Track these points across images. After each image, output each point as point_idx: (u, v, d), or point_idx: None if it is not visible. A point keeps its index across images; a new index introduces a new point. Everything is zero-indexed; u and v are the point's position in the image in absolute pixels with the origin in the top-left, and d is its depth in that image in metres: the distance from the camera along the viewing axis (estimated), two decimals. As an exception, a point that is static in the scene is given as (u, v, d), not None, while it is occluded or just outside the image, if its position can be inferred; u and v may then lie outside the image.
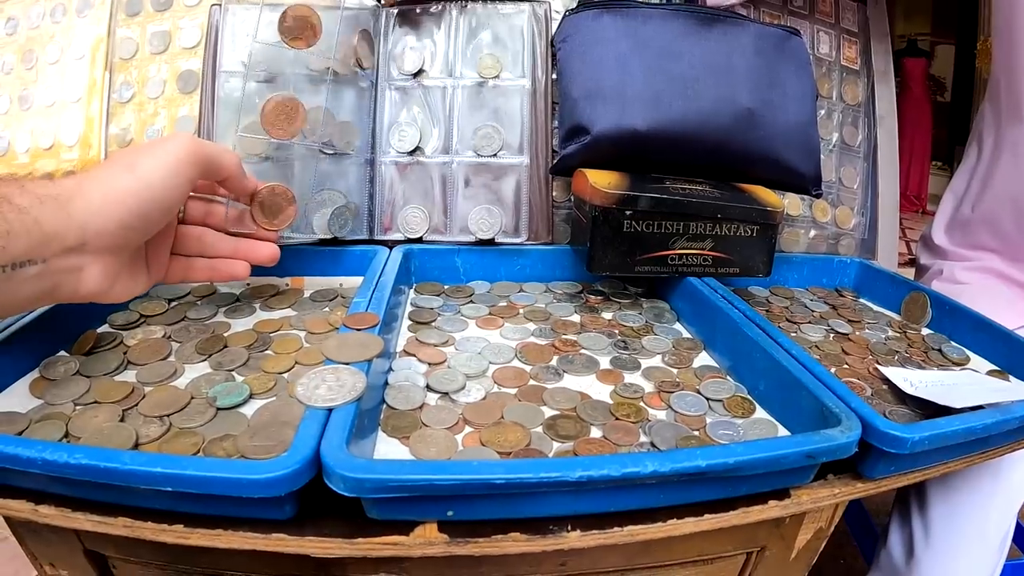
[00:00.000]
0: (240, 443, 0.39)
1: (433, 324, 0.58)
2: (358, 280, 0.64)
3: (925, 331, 0.67)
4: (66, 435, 0.41)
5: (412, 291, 0.66)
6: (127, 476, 0.33)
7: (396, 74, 0.70)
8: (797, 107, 0.70)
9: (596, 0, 0.71)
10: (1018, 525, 0.74)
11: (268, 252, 0.57)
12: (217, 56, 0.69)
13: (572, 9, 0.70)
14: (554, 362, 0.53)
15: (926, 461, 0.45)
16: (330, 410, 0.38)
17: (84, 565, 0.44)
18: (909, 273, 1.03)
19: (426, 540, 0.35)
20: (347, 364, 0.43)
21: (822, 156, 0.81)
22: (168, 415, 0.43)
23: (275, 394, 0.46)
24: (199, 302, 0.61)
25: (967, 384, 0.53)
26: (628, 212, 0.58)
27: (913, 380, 0.52)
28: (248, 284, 0.65)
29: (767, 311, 0.68)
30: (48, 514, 0.37)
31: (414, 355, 0.52)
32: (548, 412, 0.46)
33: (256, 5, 0.66)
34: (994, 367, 0.60)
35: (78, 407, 0.44)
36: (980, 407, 0.47)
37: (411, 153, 0.69)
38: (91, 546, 0.43)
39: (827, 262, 0.79)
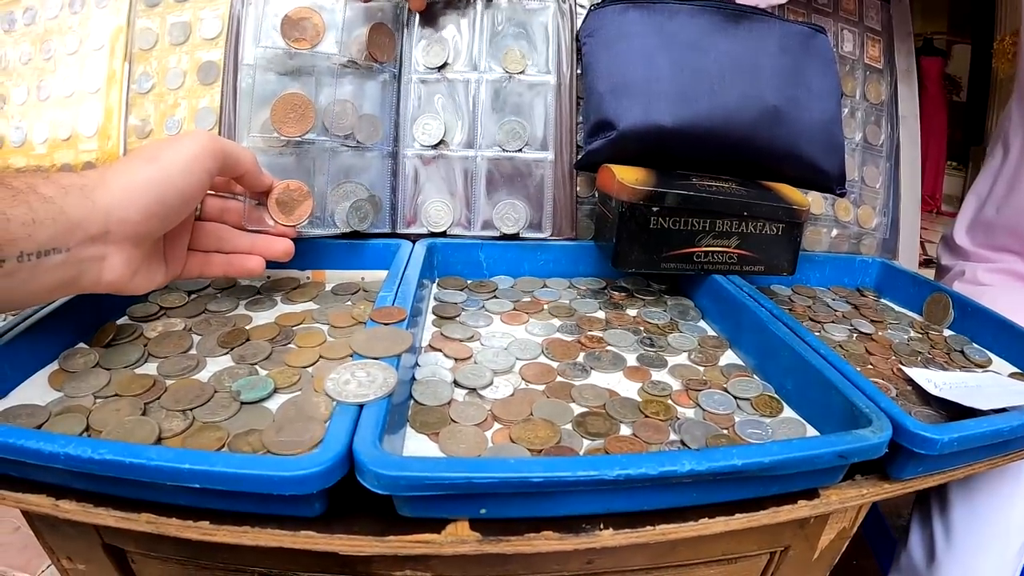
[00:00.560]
0: (266, 438, 0.39)
1: (457, 319, 0.58)
2: (380, 274, 0.64)
3: (947, 332, 0.67)
4: (87, 428, 0.41)
5: (435, 285, 0.66)
6: (153, 472, 0.33)
7: (420, 67, 0.70)
8: (822, 105, 0.69)
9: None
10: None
11: (283, 247, 0.58)
12: (239, 48, 0.69)
13: (598, 3, 0.70)
14: (581, 359, 0.53)
15: (953, 463, 0.45)
16: (361, 406, 0.38)
17: (102, 559, 0.44)
18: (925, 274, 1.02)
19: (458, 538, 0.35)
20: (376, 359, 0.42)
21: (845, 155, 0.81)
22: (191, 409, 0.43)
23: (300, 388, 0.46)
24: (219, 294, 0.61)
25: (990, 386, 0.53)
26: (655, 209, 0.58)
27: (937, 381, 0.52)
28: (268, 277, 0.65)
29: (790, 310, 0.67)
30: (69, 509, 0.36)
31: (440, 350, 0.52)
32: (577, 409, 0.46)
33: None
34: (1016, 369, 0.60)
35: (99, 400, 0.44)
36: (1004, 409, 0.47)
37: (435, 147, 0.69)
38: (110, 540, 0.43)
39: (849, 261, 0.79)
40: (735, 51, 0.67)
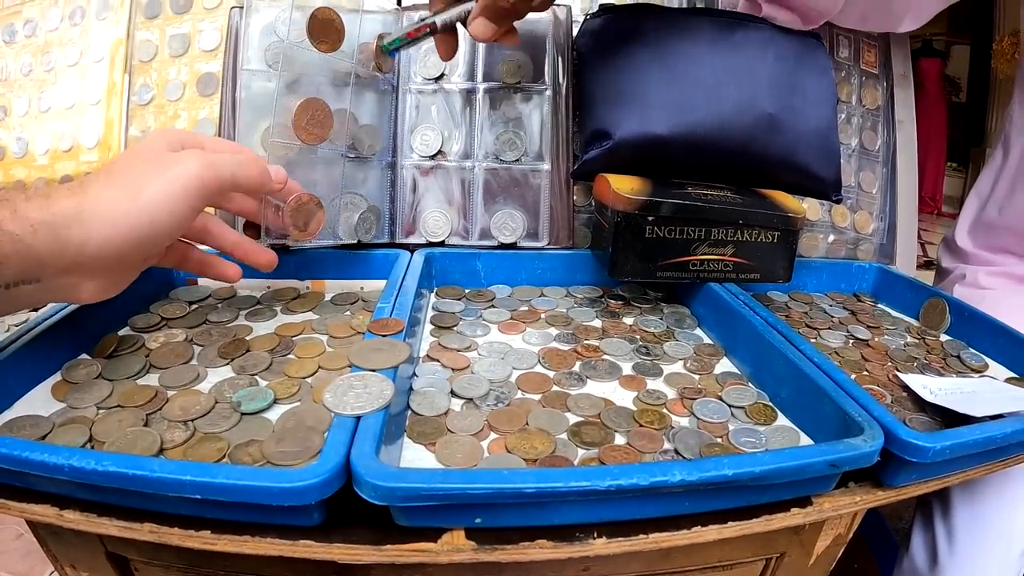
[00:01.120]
0: (266, 449, 0.40)
1: (455, 329, 0.58)
2: (379, 283, 0.65)
3: (944, 337, 0.67)
4: (90, 439, 0.41)
5: (433, 295, 0.66)
6: (156, 484, 0.34)
7: (417, 78, 0.70)
8: (818, 112, 0.70)
9: (617, 5, 0.71)
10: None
11: (267, 259, 0.56)
12: (238, 58, 0.70)
13: (593, 13, 0.71)
14: (577, 368, 0.53)
15: (947, 469, 0.45)
16: (358, 418, 0.39)
17: (106, 567, 0.45)
18: (925, 276, 1.02)
19: (454, 547, 0.36)
20: (374, 371, 0.43)
21: (841, 160, 0.81)
22: (192, 420, 0.43)
23: (299, 399, 0.46)
24: (220, 304, 0.62)
25: (986, 392, 0.53)
26: (650, 218, 0.59)
27: (932, 387, 0.53)
28: (269, 287, 0.65)
29: (786, 316, 0.68)
30: (73, 519, 0.37)
31: (438, 360, 0.52)
32: (572, 419, 0.46)
33: (279, 4, 0.67)
34: (1013, 374, 0.60)
35: (101, 411, 0.45)
36: (1000, 415, 0.47)
37: (433, 157, 0.69)
38: (113, 549, 0.43)
39: (846, 267, 0.79)
40: (730, 60, 0.67)
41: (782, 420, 0.48)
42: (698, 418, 0.47)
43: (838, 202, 0.75)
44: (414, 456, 0.42)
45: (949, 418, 0.49)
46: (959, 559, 0.67)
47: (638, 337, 0.60)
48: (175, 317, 0.58)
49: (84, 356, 0.51)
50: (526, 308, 0.64)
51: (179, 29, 0.78)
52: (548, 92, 0.70)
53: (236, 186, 0.48)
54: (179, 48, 0.78)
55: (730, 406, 0.49)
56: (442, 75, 0.70)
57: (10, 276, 0.37)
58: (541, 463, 0.41)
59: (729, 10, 0.78)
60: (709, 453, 0.43)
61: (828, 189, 0.72)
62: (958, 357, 0.62)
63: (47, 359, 0.49)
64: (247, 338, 0.55)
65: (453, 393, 0.48)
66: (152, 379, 0.49)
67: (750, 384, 0.53)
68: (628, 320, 0.63)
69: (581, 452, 0.43)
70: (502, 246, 0.70)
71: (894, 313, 0.73)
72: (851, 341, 0.64)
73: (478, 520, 0.36)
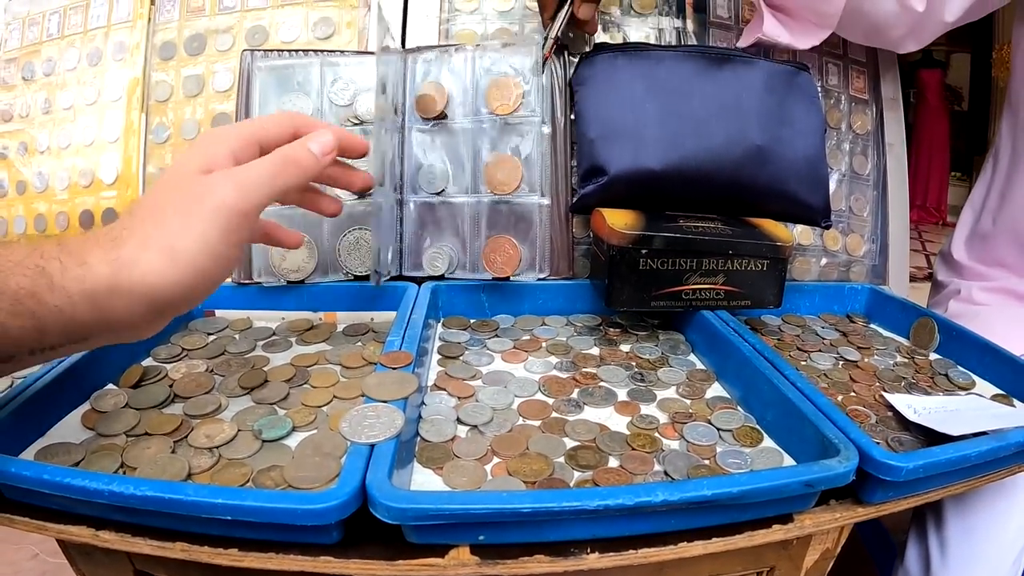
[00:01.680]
0: (287, 473, 0.43)
1: (461, 359, 0.61)
2: (388, 315, 0.68)
3: (933, 356, 0.69)
4: (122, 465, 0.44)
5: (440, 325, 0.69)
6: (190, 506, 0.37)
7: (419, 117, 0.73)
8: (806, 142, 0.73)
9: (611, 44, 0.75)
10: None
11: (363, 180, 0.56)
12: (251, 99, 0.73)
13: (588, 52, 0.74)
14: (575, 395, 0.56)
15: (922, 487, 0.47)
16: (372, 446, 0.42)
17: (134, 585, 0.48)
18: (926, 288, 1.03)
19: (459, 562, 0.39)
20: (386, 402, 0.47)
21: (833, 185, 0.84)
22: (217, 447, 0.46)
23: (316, 427, 0.49)
24: (237, 336, 0.65)
25: (970, 410, 0.55)
26: (644, 251, 0.62)
27: (917, 407, 0.55)
28: (283, 319, 0.69)
29: (779, 339, 0.70)
30: (109, 539, 0.40)
31: (444, 389, 0.55)
32: (569, 443, 0.49)
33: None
34: (999, 391, 0.62)
35: (130, 438, 0.48)
36: (982, 432, 0.49)
37: (438, 194, 0.73)
38: (141, 567, 0.46)
39: (838, 289, 0.82)
40: (720, 94, 0.70)
41: (767, 442, 0.51)
42: (688, 441, 0.50)
43: (827, 227, 0.77)
44: (423, 479, 0.45)
45: (932, 437, 0.51)
46: (951, 570, 0.69)
47: (634, 364, 0.62)
48: (195, 348, 0.62)
49: (111, 386, 0.55)
50: (528, 337, 0.67)
51: (193, 70, 0.82)
52: (547, 130, 0.73)
53: (280, 196, 0.45)
54: (194, 88, 0.81)
55: (718, 429, 0.52)
56: (443, 115, 0.73)
57: (54, 341, 0.38)
58: (539, 485, 0.44)
59: (717, 46, 0.82)
60: (696, 474, 0.46)
61: (817, 216, 0.75)
62: (946, 375, 0.64)
63: (76, 389, 0.52)
64: (265, 368, 0.58)
65: (459, 420, 0.51)
66: (176, 408, 0.52)
67: (739, 408, 0.55)
68: (625, 347, 0.66)
69: (577, 475, 0.46)
70: (498, 279, 0.72)
71: (885, 333, 0.76)
72: (840, 363, 0.66)
73: (481, 537, 0.39)
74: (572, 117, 0.75)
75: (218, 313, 0.71)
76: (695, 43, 0.83)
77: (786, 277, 0.66)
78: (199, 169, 0.42)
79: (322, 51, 0.75)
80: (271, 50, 0.75)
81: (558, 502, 0.38)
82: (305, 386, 0.56)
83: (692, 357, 0.65)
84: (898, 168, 0.91)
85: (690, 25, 0.84)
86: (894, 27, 0.78)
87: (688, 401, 0.56)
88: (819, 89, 0.85)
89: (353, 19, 0.82)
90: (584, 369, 0.61)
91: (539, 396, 0.56)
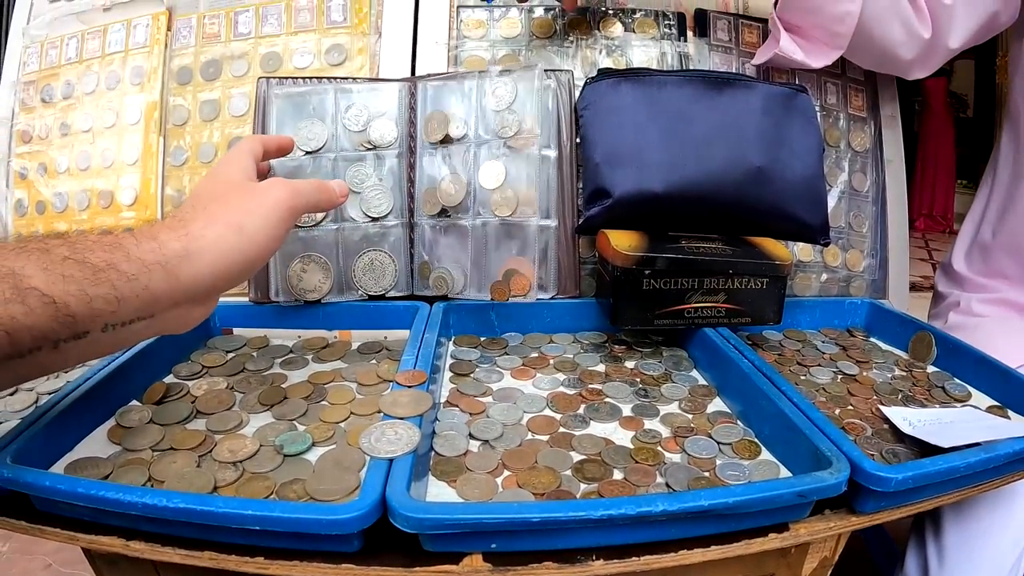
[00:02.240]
0: (308, 487, 0.45)
1: (472, 376, 0.64)
2: (401, 333, 0.71)
3: (931, 369, 0.71)
4: (149, 479, 0.47)
5: (451, 343, 0.72)
6: (220, 517, 0.40)
7: (427, 140, 0.75)
8: (804, 162, 0.75)
9: (615, 69, 0.78)
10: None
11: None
12: (267, 124, 0.75)
13: (592, 77, 0.77)
14: (581, 410, 0.59)
15: (916, 497, 0.50)
16: (391, 460, 0.45)
17: (157, 593, 0.51)
18: (928, 298, 1.04)
19: (473, 569, 0.42)
20: (402, 419, 0.50)
21: (832, 202, 0.86)
22: (240, 461, 0.49)
23: (335, 442, 0.52)
24: (255, 353, 0.68)
25: (964, 422, 0.57)
26: (647, 272, 0.64)
27: (912, 419, 0.56)
28: (300, 337, 0.72)
29: (779, 355, 0.72)
30: (139, 548, 0.43)
31: (457, 406, 0.58)
32: (576, 457, 0.52)
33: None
34: (994, 403, 0.64)
35: (156, 453, 0.50)
36: (976, 444, 0.51)
37: (446, 215, 0.74)
38: (165, 575, 0.50)
39: (838, 304, 0.83)
40: (720, 117, 0.73)
41: (765, 455, 0.53)
42: (689, 454, 0.52)
43: (826, 245, 0.80)
44: (438, 491, 0.48)
45: (927, 448, 0.53)
46: None
47: (638, 380, 0.65)
48: (215, 365, 0.65)
49: (135, 403, 0.57)
50: (536, 354, 0.70)
51: (210, 95, 0.85)
52: (553, 155, 0.76)
53: (316, 208, 0.60)
54: (210, 113, 0.84)
55: (718, 443, 0.54)
56: (450, 138, 0.75)
57: (127, 315, 0.40)
58: (548, 497, 0.47)
59: (718, 71, 0.85)
60: (696, 486, 0.48)
61: (816, 234, 0.77)
62: (942, 388, 0.66)
63: (102, 406, 0.55)
64: (283, 386, 0.61)
65: (471, 435, 0.54)
66: (199, 424, 0.54)
67: (738, 422, 0.58)
68: (629, 364, 0.68)
69: (583, 486, 0.48)
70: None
71: (884, 347, 0.78)
72: (839, 377, 0.68)
73: (493, 545, 0.42)
74: (578, 140, 0.77)
75: (235, 331, 0.74)
76: (697, 67, 0.85)
77: (785, 294, 0.69)
78: (246, 177, 0.54)
79: (336, 78, 0.78)
80: (286, 77, 0.78)
81: (565, 512, 0.40)
82: (323, 403, 0.58)
83: (694, 373, 0.68)
84: (897, 184, 0.93)
85: (692, 49, 0.87)
86: (903, 53, 0.81)
87: (690, 415, 0.59)
88: (818, 108, 0.88)
89: (365, 45, 0.85)
90: (590, 385, 0.63)
91: (547, 412, 0.59)
